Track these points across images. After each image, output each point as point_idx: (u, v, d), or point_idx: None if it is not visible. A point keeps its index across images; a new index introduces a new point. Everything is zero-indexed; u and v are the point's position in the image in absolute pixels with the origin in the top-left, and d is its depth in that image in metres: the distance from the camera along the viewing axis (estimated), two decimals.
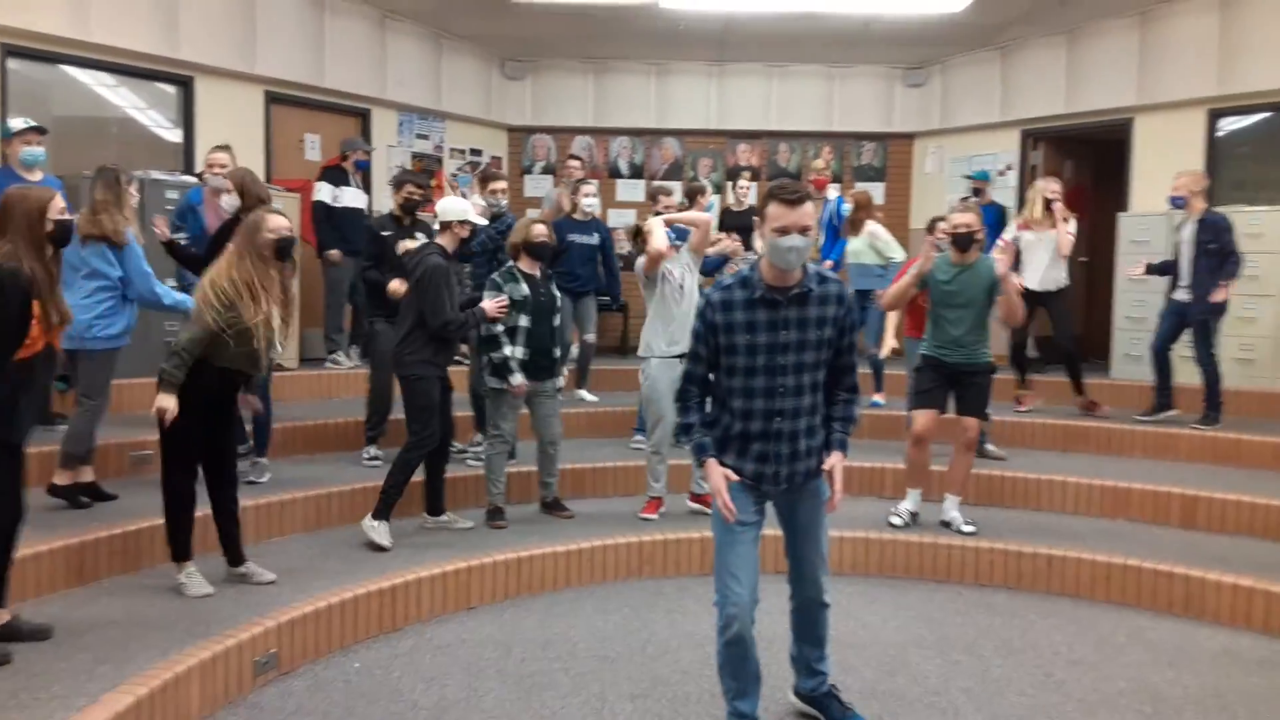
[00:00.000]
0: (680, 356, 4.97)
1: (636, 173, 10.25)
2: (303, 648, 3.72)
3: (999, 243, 6.76)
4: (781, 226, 2.81)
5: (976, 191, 8.10)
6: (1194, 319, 6.28)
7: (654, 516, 5.23)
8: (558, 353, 5.17)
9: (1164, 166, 8.07)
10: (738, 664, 3.04)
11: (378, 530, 4.64)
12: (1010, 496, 5.67)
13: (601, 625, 4.21)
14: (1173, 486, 5.37)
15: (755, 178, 9.47)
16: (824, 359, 2.95)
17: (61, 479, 4.52)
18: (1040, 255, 6.85)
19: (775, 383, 2.90)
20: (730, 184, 8.66)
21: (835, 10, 8.06)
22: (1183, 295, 6.33)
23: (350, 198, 7.49)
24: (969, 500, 5.31)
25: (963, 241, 4.92)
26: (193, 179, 6.60)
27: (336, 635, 3.88)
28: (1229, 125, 8.03)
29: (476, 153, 9.80)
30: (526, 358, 5.00)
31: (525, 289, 5.01)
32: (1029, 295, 6.82)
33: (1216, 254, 6.15)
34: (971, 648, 4.03)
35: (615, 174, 10.19)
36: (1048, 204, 6.83)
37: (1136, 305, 7.61)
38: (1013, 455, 6.24)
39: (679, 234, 5.37)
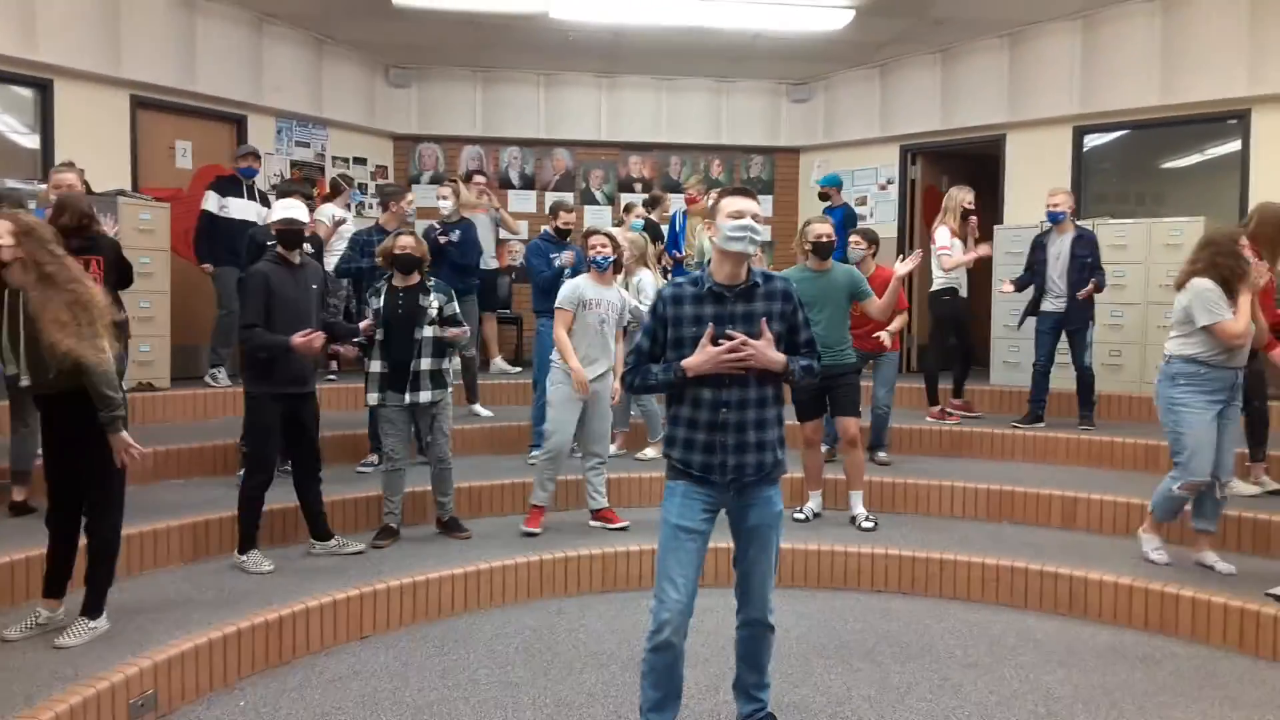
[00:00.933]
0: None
1: (528, 184, 10.15)
2: (182, 687, 3.48)
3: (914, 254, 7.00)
4: (734, 210, 2.98)
5: (825, 197, 8.44)
6: (1072, 328, 6.57)
7: (538, 530, 5.16)
8: (422, 366, 4.94)
9: (1035, 181, 8.49)
10: (662, 673, 3.01)
11: (249, 562, 4.48)
12: (902, 502, 5.81)
13: (502, 650, 4.09)
14: (1054, 489, 5.59)
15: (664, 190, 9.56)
16: None
17: None
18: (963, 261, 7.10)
19: (722, 375, 2.95)
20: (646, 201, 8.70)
21: (722, 25, 8.16)
22: (1056, 306, 6.62)
23: (238, 208, 7.13)
24: (869, 508, 5.43)
25: (823, 250, 5.23)
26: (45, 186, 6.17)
27: (219, 672, 3.64)
28: (1092, 142, 8.48)
29: (360, 161, 9.52)
30: (385, 370, 4.93)
31: (381, 300, 4.96)
32: (957, 300, 7.08)
33: (1090, 267, 6.45)
34: (871, 654, 4.09)
35: (506, 184, 10.05)
36: (965, 214, 7.07)
37: (1013, 315, 7.90)
38: (903, 461, 6.40)
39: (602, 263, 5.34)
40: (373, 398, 4.99)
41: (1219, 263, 4.51)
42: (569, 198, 9.85)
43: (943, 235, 7.07)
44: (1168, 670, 3.94)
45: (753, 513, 3.04)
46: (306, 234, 4.82)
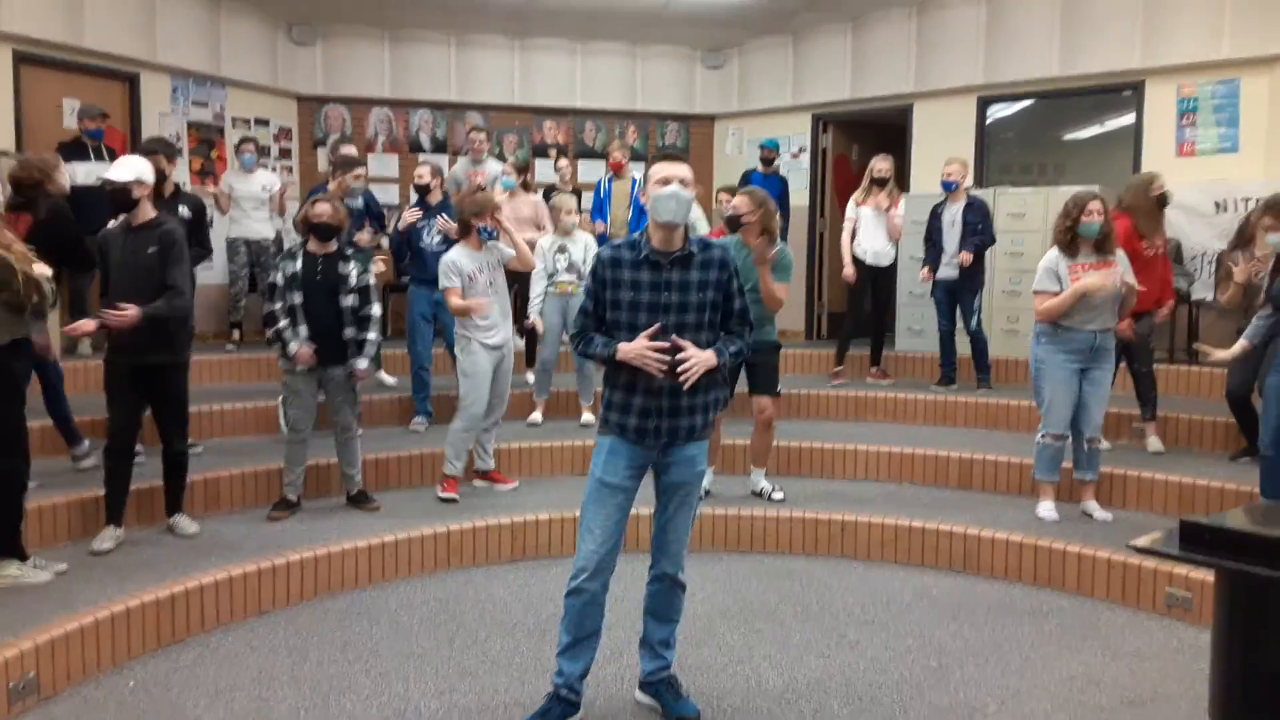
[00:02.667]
0: (496, 346, 5.19)
1: (439, 147, 9.94)
2: (67, 669, 3.37)
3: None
4: (663, 177, 2.98)
5: (767, 161, 8.43)
6: (963, 293, 6.79)
7: (457, 496, 5.18)
8: (347, 334, 4.91)
9: (941, 151, 8.60)
10: (574, 617, 3.06)
11: (104, 536, 4.34)
12: (807, 466, 5.92)
13: (407, 621, 4.06)
14: (951, 451, 5.76)
15: (563, 154, 9.42)
16: (707, 320, 3.05)
17: None
18: (874, 231, 7.19)
19: (656, 340, 2.96)
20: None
21: None
22: (947, 273, 6.83)
23: (86, 172, 6.78)
24: (772, 472, 5.51)
25: (732, 224, 5.10)
26: None
27: (107, 653, 3.53)
28: (996, 112, 8.68)
29: (262, 123, 9.19)
30: (307, 336, 4.85)
31: (297, 266, 4.85)
32: (863, 268, 7.20)
33: (980, 233, 6.67)
34: (773, 615, 4.17)
35: (416, 148, 9.83)
36: (877, 182, 7.17)
37: (916, 283, 8.10)
38: (808, 426, 6.53)
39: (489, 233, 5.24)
40: (294, 345, 4.83)
41: (1055, 227, 4.87)
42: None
43: (850, 206, 7.30)
44: (1054, 623, 4.11)
45: (675, 470, 3.09)
46: (136, 195, 4.33)
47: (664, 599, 3.21)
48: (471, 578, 4.61)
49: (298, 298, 4.86)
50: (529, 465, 5.83)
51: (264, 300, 5.02)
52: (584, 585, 3.03)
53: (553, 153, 9.87)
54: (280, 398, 5.19)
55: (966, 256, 6.69)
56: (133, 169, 4.34)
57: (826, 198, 9.69)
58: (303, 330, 4.85)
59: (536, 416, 6.49)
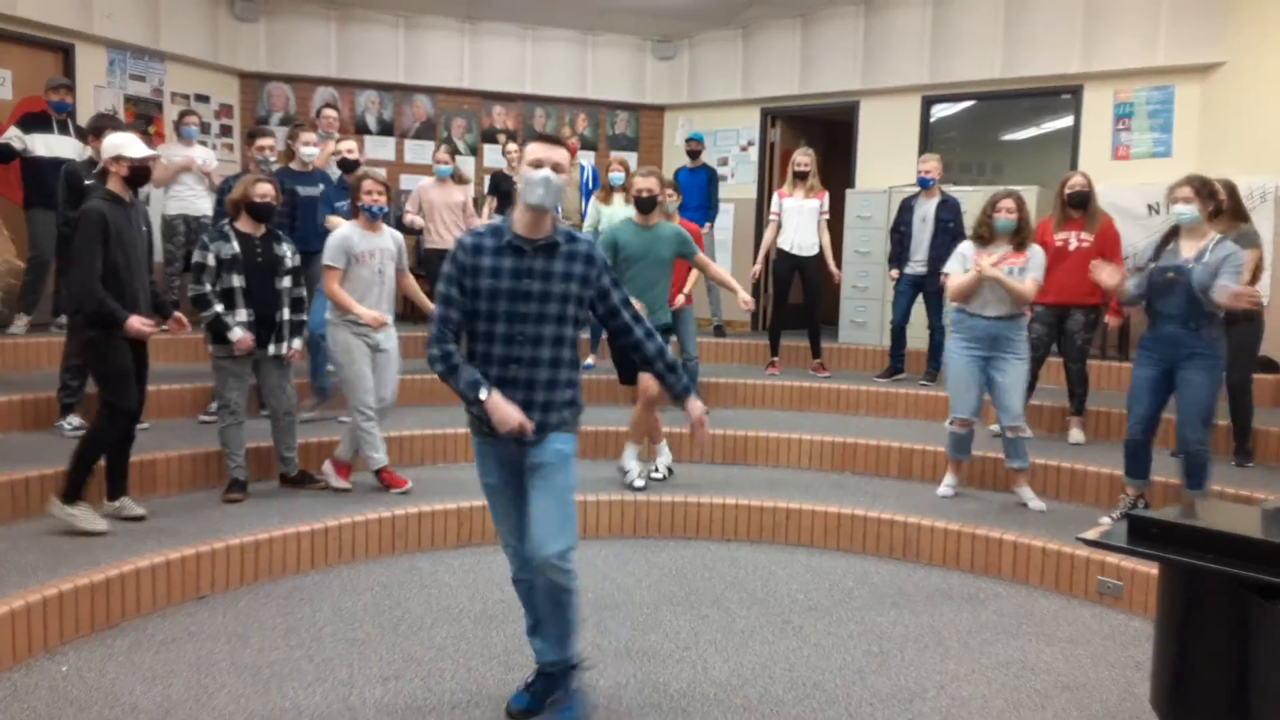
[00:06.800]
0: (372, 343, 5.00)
1: (386, 129, 9.79)
2: None
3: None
4: (536, 159, 2.85)
5: (693, 154, 8.52)
6: (931, 290, 6.83)
7: (407, 487, 5.07)
8: (283, 316, 4.83)
9: (885, 148, 8.80)
10: (525, 602, 3.12)
11: (78, 516, 4.18)
12: (752, 454, 5.99)
13: (350, 606, 4.01)
14: (892, 441, 5.87)
15: (512, 139, 9.35)
16: (569, 314, 2.92)
17: None
18: (798, 222, 7.24)
19: (514, 330, 2.87)
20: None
21: None
22: (916, 269, 6.90)
23: (48, 145, 6.58)
24: (718, 460, 5.57)
25: (644, 205, 5.15)
26: None
27: (39, 637, 3.43)
28: (939, 112, 8.83)
29: (203, 99, 8.95)
30: (250, 320, 4.75)
31: (235, 247, 4.72)
32: (788, 259, 7.25)
33: (953, 231, 6.75)
34: (719, 601, 4.21)
35: (363, 129, 9.67)
36: (798, 175, 7.24)
37: (861, 275, 8.22)
38: (753, 415, 6.59)
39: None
40: (236, 333, 4.69)
41: (976, 222, 5.21)
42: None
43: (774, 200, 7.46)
44: (991, 609, 4.22)
45: (534, 451, 2.92)
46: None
47: (544, 592, 2.92)
48: (416, 563, 4.57)
49: (237, 280, 4.73)
50: (451, 451, 5.81)
51: (191, 282, 4.75)
52: (518, 576, 3.10)
53: (501, 138, 9.79)
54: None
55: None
56: (143, 144, 4.35)
57: (774, 192, 9.74)
58: (243, 314, 4.74)
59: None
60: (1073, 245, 5.79)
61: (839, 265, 7.64)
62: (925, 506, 5.08)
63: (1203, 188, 4.50)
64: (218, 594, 4.07)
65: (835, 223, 7.84)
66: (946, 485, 5.33)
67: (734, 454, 5.96)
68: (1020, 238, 5.01)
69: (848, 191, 8.59)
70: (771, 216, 7.41)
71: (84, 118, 7.47)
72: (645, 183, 5.17)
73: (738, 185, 9.84)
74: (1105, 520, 4.81)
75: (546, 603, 2.95)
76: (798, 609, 4.15)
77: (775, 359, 7.54)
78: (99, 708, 3.08)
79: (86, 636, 3.59)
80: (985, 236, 5.06)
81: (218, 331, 4.72)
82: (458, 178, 7.22)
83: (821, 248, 7.29)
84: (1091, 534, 2.14)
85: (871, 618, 4.08)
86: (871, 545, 4.91)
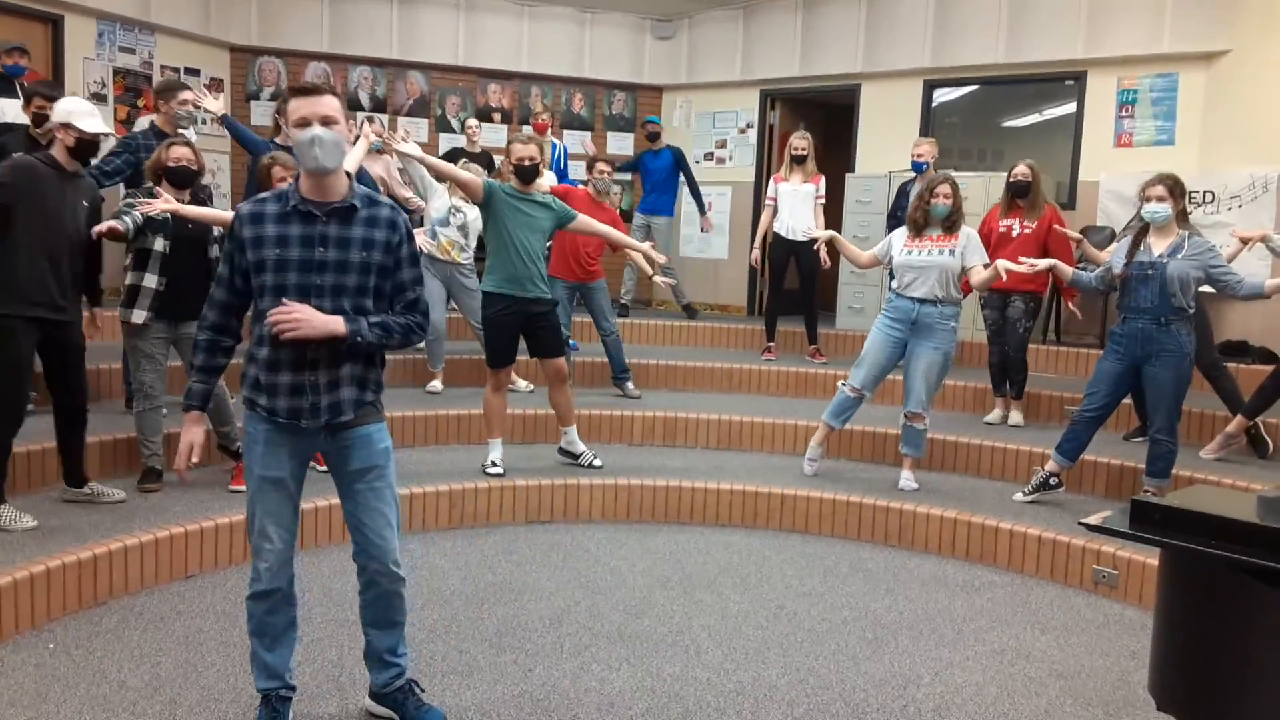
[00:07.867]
0: None
1: (379, 106, 9.69)
2: None
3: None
4: (300, 117, 2.53)
5: (653, 136, 8.74)
6: None
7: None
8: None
9: (887, 132, 8.72)
10: (263, 620, 2.74)
11: (5, 517, 3.90)
12: (746, 440, 5.96)
13: (340, 588, 3.97)
14: (889, 428, 5.83)
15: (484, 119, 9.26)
16: (372, 285, 2.62)
17: None
18: (793, 206, 7.17)
19: (309, 305, 2.54)
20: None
21: None
22: None
23: (15, 111, 6.42)
24: (711, 445, 5.53)
25: (525, 174, 4.87)
26: None
27: (25, 614, 3.39)
28: (941, 96, 8.76)
29: (193, 72, 8.83)
30: (163, 289, 4.39)
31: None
32: (784, 244, 7.18)
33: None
34: (712, 585, 4.18)
35: (355, 106, 9.56)
36: (795, 159, 7.16)
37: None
38: (749, 401, 6.55)
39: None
40: (139, 315, 4.36)
41: (911, 206, 5.22)
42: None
43: (770, 184, 7.41)
44: (985, 597, 4.20)
45: (355, 455, 2.68)
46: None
47: (383, 604, 2.79)
48: (407, 545, 4.52)
49: (160, 244, 4.35)
50: (443, 433, 5.76)
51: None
52: (270, 588, 2.68)
53: (496, 116, 9.69)
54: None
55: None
56: (101, 119, 4.07)
57: (773, 174, 9.68)
58: (151, 280, 4.34)
59: (436, 385, 6.39)
60: (1015, 232, 5.95)
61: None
62: (921, 493, 5.05)
63: (1175, 187, 4.58)
64: (206, 573, 4.03)
65: (835, 207, 7.78)
66: (811, 451, 5.36)
67: (729, 440, 5.92)
68: (951, 220, 5.04)
69: (847, 175, 8.53)
70: (768, 201, 7.34)
71: (71, 89, 7.38)
72: (525, 150, 4.83)
73: (736, 168, 9.77)
74: (1018, 496, 5.00)
75: (390, 607, 2.81)
76: (792, 594, 4.13)
77: (771, 344, 7.50)
78: (86, 685, 3.05)
79: (74, 614, 3.55)
80: (919, 222, 5.05)
81: (131, 300, 4.38)
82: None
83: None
84: (1094, 519, 2.11)
85: (866, 604, 4.05)
86: (867, 531, 4.89)
